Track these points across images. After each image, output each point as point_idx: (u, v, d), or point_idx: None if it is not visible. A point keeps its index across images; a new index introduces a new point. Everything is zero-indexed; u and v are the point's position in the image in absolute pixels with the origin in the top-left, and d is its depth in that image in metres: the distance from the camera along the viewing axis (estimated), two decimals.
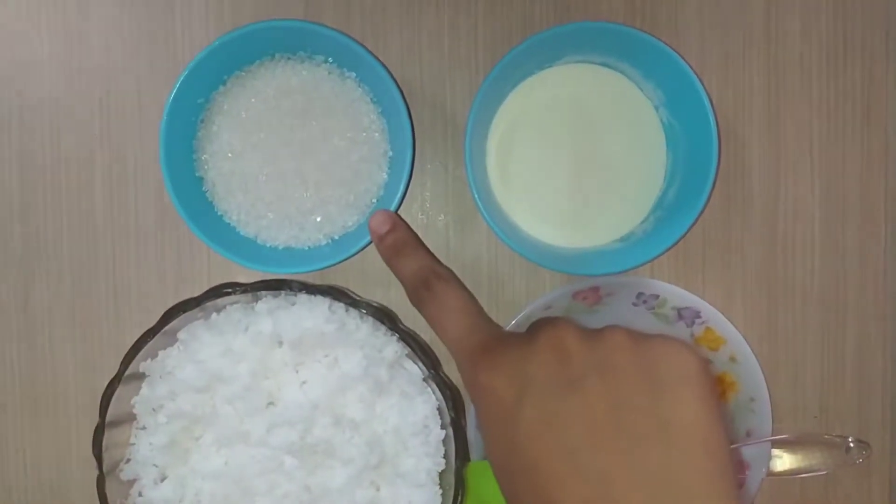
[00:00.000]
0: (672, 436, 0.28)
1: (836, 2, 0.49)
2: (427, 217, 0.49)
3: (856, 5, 0.49)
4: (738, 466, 0.48)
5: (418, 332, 0.47)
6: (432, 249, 0.49)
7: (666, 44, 0.43)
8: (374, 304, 0.42)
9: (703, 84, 0.43)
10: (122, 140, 0.49)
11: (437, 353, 0.46)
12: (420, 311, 0.39)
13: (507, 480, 0.31)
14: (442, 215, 0.49)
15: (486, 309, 0.49)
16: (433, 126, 0.49)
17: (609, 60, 0.47)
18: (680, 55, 0.43)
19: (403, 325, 0.42)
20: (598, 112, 0.47)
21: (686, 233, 0.44)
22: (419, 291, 0.39)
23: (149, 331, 0.40)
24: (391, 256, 0.42)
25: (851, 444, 0.48)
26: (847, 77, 0.49)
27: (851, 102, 0.49)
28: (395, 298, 0.49)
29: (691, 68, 0.43)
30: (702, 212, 0.44)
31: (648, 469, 0.28)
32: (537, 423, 0.30)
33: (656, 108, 0.47)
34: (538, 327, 0.33)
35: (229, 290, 0.40)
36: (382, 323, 0.41)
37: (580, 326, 0.32)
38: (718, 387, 0.49)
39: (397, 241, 0.42)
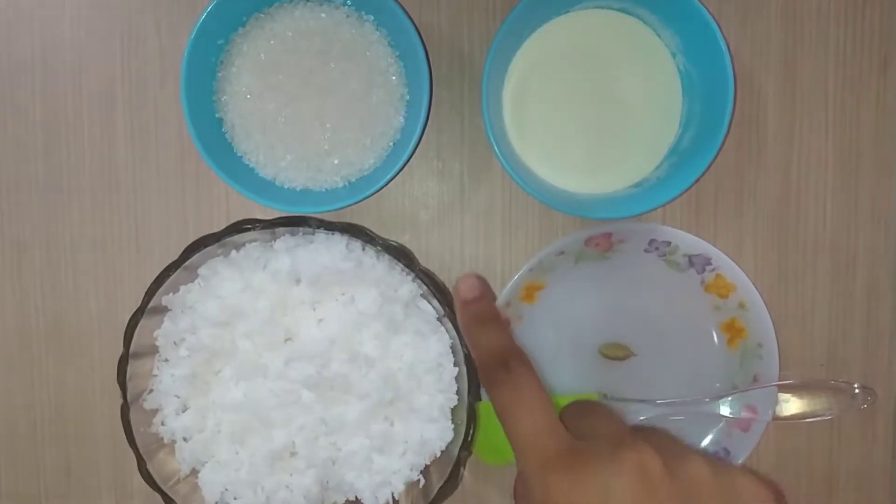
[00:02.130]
0: None
1: None
2: (442, 163, 0.50)
3: None
4: (747, 409, 0.49)
5: (433, 272, 0.48)
6: (447, 195, 0.50)
7: None
8: (392, 243, 0.42)
9: (721, 30, 0.43)
10: (142, 80, 0.50)
11: (451, 293, 0.46)
12: (490, 392, 0.35)
13: None
14: (457, 161, 0.50)
15: (499, 254, 0.50)
16: (450, 71, 0.49)
17: (627, 6, 0.47)
18: (700, 1, 0.43)
19: (419, 264, 0.43)
20: (614, 58, 0.47)
21: (699, 178, 0.44)
22: (496, 371, 0.36)
23: (171, 265, 0.41)
24: (473, 325, 0.38)
25: (857, 390, 0.48)
26: (864, 25, 0.49)
27: (868, 51, 0.49)
28: (410, 241, 0.50)
29: (710, 14, 0.43)
30: (715, 158, 0.44)
31: None
32: None
33: (673, 55, 0.47)
34: (620, 447, 0.32)
35: (249, 226, 0.41)
36: (399, 262, 0.41)
37: (661, 451, 0.31)
38: (727, 333, 0.49)
39: (483, 311, 0.39)
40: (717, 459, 0.32)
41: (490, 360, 0.36)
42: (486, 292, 0.39)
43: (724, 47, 0.43)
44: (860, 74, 0.49)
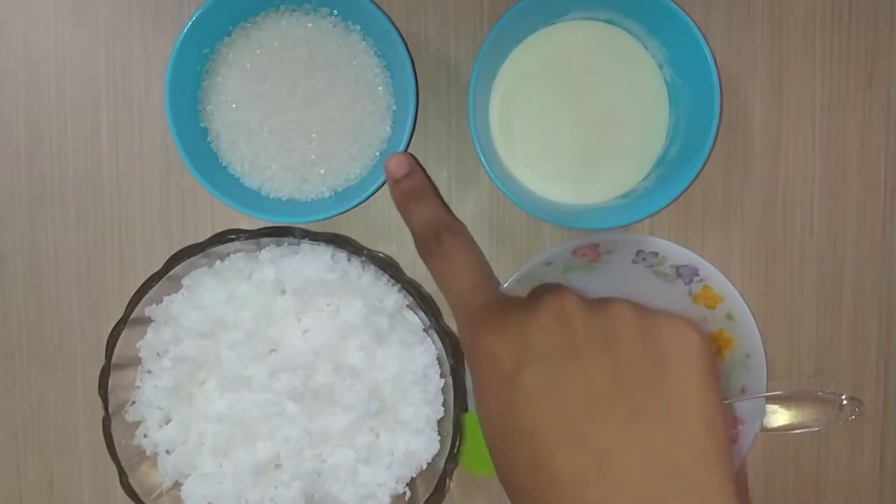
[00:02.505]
0: (673, 412, 0.28)
1: None
2: (429, 172, 0.49)
3: None
4: (733, 422, 0.49)
5: (420, 283, 0.47)
6: None
7: (671, 1, 0.43)
8: (377, 254, 0.42)
9: (707, 42, 0.43)
10: (127, 89, 0.49)
11: (438, 304, 0.46)
12: (426, 262, 0.38)
13: (502, 444, 0.30)
14: (444, 170, 0.49)
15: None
16: (437, 80, 0.49)
17: (614, 17, 0.47)
18: (686, 13, 0.43)
19: (405, 274, 0.42)
20: (601, 69, 0.47)
21: (686, 190, 0.44)
22: (428, 242, 0.38)
23: (154, 275, 0.41)
24: (405, 202, 0.41)
25: (845, 401, 0.48)
26: (850, 38, 0.49)
27: (854, 63, 0.49)
28: (397, 251, 0.49)
29: (696, 25, 0.43)
30: (702, 169, 0.44)
31: (648, 444, 0.28)
32: (536, 389, 0.29)
33: (660, 66, 0.47)
34: (541, 294, 0.32)
35: (233, 236, 0.41)
36: (385, 272, 0.41)
37: (583, 296, 0.32)
38: (715, 344, 0.49)
39: (413, 187, 0.41)
40: (647, 306, 0.31)
41: (423, 233, 0.39)
42: (415, 167, 0.41)
43: (710, 59, 0.43)
44: (846, 87, 0.49)
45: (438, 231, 0.38)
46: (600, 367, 0.29)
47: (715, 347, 0.49)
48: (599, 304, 0.31)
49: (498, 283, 0.36)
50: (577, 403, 0.29)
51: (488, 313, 0.33)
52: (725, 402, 0.48)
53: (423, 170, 0.42)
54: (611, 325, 0.30)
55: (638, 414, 0.28)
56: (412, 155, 0.42)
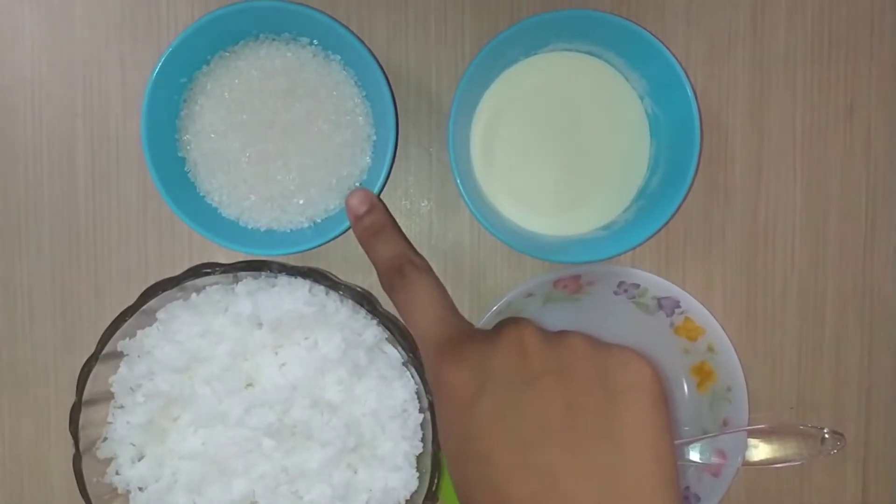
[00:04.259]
0: (622, 438, 0.29)
1: None
2: (410, 202, 0.49)
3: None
4: (717, 454, 0.48)
5: (398, 317, 0.47)
6: (415, 235, 0.49)
7: (652, 34, 0.43)
8: (354, 288, 0.42)
9: (687, 75, 0.43)
10: (104, 118, 0.49)
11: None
12: (391, 297, 0.39)
13: (460, 469, 0.31)
14: (425, 200, 0.49)
15: (467, 296, 0.49)
16: (418, 111, 0.49)
17: (595, 49, 0.47)
18: (665, 45, 0.43)
19: (383, 308, 0.42)
20: (582, 101, 0.47)
21: (667, 222, 0.44)
22: (392, 277, 0.39)
23: (127, 310, 0.40)
24: (367, 238, 0.42)
25: (826, 435, 0.48)
26: (831, 71, 0.49)
27: (835, 96, 0.49)
28: (377, 283, 0.49)
29: (676, 59, 0.43)
30: (683, 202, 0.44)
31: (596, 468, 0.29)
32: (492, 415, 0.31)
33: (641, 98, 0.47)
34: (502, 325, 0.33)
35: (209, 269, 0.40)
36: (362, 306, 0.41)
37: (542, 328, 0.33)
38: (696, 376, 0.49)
39: (375, 224, 0.42)
40: (603, 340, 0.33)
41: (386, 269, 0.40)
42: (376, 203, 0.43)
43: (689, 92, 0.43)
44: (826, 118, 0.49)
45: (402, 266, 0.39)
46: (554, 395, 0.30)
47: (697, 379, 0.49)
48: (556, 336, 0.32)
49: (461, 317, 0.37)
50: (531, 429, 0.30)
51: (450, 344, 0.34)
52: (708, 435, 0.48)
53: (385, 205, 0.43)
54: (566, 356, 0.31)
55: (588, 439, 0.29)
56: (371, 192, 0.43)
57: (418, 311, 0.37)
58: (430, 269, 0.40)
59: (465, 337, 0.34)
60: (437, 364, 0.34)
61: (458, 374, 0.32)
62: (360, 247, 0.48)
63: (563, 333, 0.32)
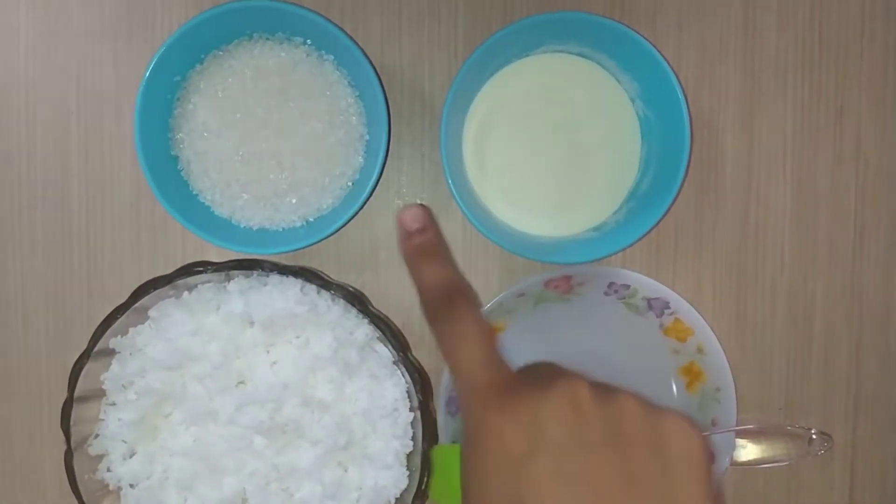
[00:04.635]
0: None
1: None
2: (402, 202, 0.49)
3: (832, 2, 0.49)
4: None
5: (389, 316, 0.47)
6: None
7: (643, 37, 0.43)
8: (346, 287, 0.42)
9: (678, 77, 0.44)
10: (98, 116, 0.49)
11: (408, 337, 0.46)
12: (432, 325, 0.36)
13: None
14: (418, 200, 0.49)
15: None
16: (411, 111, 0.49)
17: (587, 51, 0.47)
18: (657, 48, 0.43)
19: (374, 307, 0.42)
20: (574, 102, 0.48)
21: (657, 224, 0.44)
22: (438, 306, 0.36)
23: (119, 307, 0.40)
24: (415, 258, 0.39)
25: (814, 436, 0.48)
26: (822, 74, 0.49)
27: (825, 99, 0.50)
28: (369, 282, 0.49)
29: (667, 62, 0.43)
30: (673, 203, 0.44)
31: None
32: (547, 479, 0.30)
33: (632, 100, 0.47)
34: (551, 377, 0.32)
35: (200, 268, 0.40)
36: (353, 306, 0.41)
37: (593, 383, 0.32)
38: (686, 377, 0.49)
39: (426, 244, 0.39)
40: (651, 401, 0.33)
41: (431, 296, 0.37)
42: (430, 223, 0.39)
43: (680, 95, 0.43)
44: (817, 122, 0.50)
45: (449, 295, 0.37)
46: (611, 464, 0.30)
47: (686, 380, 0.49)
48: (608, 395, 0.32)
49: (505, 360, 0.35)
50: (585, 497, 0.29)
51: (497, 391, 0.33)
52: None
53: (438, 227, 0.40)
54: (620, 420, 0.31)
55: None
56: (428, 209, 0.40)
57: (463, 349, 0.35)
58: (478, 302, 0.37)
59: (514, 386, 0.33)
60: (481, 410, 0.32)
61: (508, 427, 0.31)
62: (353, 245, 0.49)
63: (614, 393, 0.32)
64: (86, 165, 0.49)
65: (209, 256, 0.48)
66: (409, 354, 0.41)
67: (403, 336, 0.45)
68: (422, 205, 0.39)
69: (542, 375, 0.33)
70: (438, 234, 0.40)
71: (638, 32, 0.44)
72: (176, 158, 0.46)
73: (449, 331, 0.35)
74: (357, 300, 0.41)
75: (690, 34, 0.49)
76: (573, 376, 0.32)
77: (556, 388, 0.32)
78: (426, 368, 0.49)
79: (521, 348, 0.49)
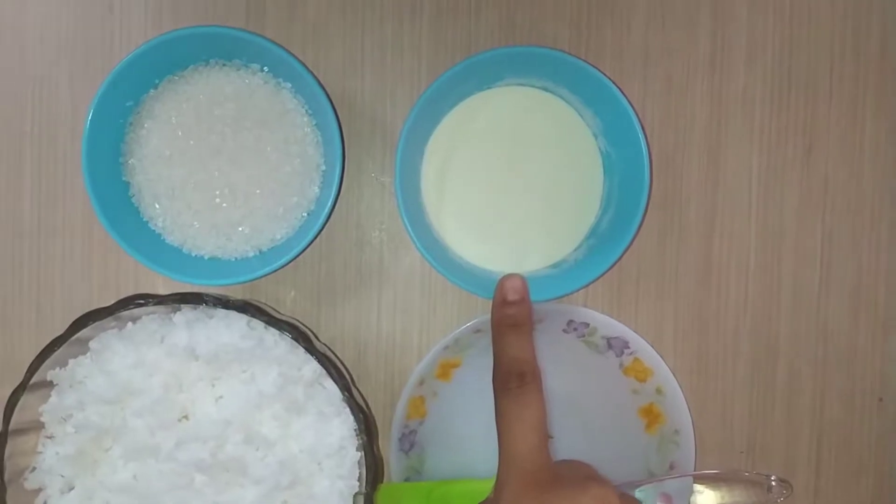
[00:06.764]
0: None
1: (781, 37, 0.48)
2: (361, 232, 0.48)
3: (801, 41, 0.48)
4: (662, 499, 0.48)
5: (344, 347, 0.46)
6: (365, 266, 0.48)
7: (604, 73, 0.43)
8: (292, 322, 0.41)
9: (638, 115, 0.43)
10: (52, 139, 0.48)
11: (362, 369, 0.45)
12: (498, 396, 0.37)
13: None
14: (376, 231, 0.48)
15: (416, 329, 0.49)
16: (372, 140, 0.48)
17: (549, 85, 0.46)
18: (623, 83, 0.43)
19: (322, 343, 0.41)
20: (536, 136, 0.47)
21: (616, 262, 0.44)
22: (510, 379, 0.37)
23: (56, 339, 0.39)
24: (504, 328, 0.39)
25: (773, 483, 0.47)
26: (789, 112, 0.49)
27: (793, 138, 0.49)
28: (326, 314, 0.48)
29: (627, 99, 0.43)
30: (632, 242, 0.44)
31: None
32: None
33: (595, 136, 0.47)
34: (585, 479, 0.36)
35: (142, 301, 0.39)
36: (298, 343, 0.40)
37: (622, 494, 0.36)
38: (645, 418, 0.48)
39: (518, 316, 0.39)
40: None
41: (510, 368, 0.38)
42: (526, 297, 0.40)
43: (639, 132, 0.43)
44: (783, 160, 0.49)
45: (524, 374, 0.37)
46: None
47: (645, 421, 0.48)
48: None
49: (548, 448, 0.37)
50: None
51: (538, 481, 0.35)
52: (654, 479, 0.47)
53: (531, 302, 0.40)
54: None
55: None
56: (526, 282, 0.40)
57: (520, 429, 0.36)
58: (542, 385, 0.38)
59: (553, 480, 0.35)
60: (520, 495, 0.35)
61: None
62: (308, 274, 0.48)
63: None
64: (39, 187, 0.48)
65: (160, 284, 0.47)
66: (352, 394, 0.40)
67: (350, 374, 0.44)
68: (522, 277, 0.40)
69: (578, 474, 0.36)
70: (531, 311, 0.40)
71: (598, 69, 0.43)
72: (127, 184, 0.45)
73: (514, 409, 0.36)
74: (302, 337, 0.40)
75: (656, 70, 0.48)
76: (606, 484, 0.36)
77: (590, 487, 0.35)
78: (380, 403, 0.48)
79: (477, 385, 0.48)
